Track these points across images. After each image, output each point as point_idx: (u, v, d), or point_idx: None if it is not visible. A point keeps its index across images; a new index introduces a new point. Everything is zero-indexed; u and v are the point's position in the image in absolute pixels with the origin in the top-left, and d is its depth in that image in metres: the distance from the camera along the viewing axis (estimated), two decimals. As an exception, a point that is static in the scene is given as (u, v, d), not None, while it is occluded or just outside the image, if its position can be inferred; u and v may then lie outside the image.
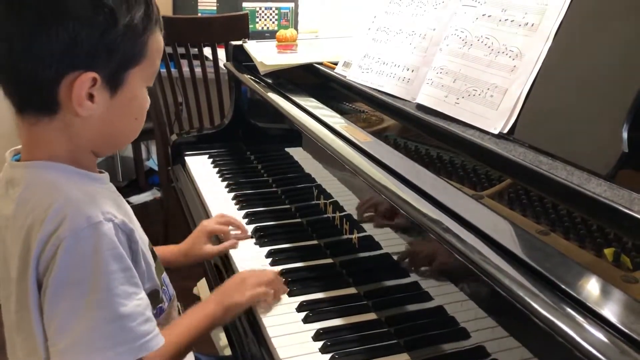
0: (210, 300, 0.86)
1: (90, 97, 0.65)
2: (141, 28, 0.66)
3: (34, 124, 0.67)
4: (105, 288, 0.63)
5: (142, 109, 0.72)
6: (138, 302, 0.66)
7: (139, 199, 2.80)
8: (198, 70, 2.05)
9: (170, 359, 0.73)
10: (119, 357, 0.64)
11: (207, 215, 1.21)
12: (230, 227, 1.11)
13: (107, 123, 0.68)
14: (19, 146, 0.71)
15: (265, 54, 1.39)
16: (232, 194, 1.28)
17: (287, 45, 1.50)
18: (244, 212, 1.19)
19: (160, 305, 0.78)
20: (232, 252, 1.06)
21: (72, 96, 0.63)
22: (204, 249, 1.05)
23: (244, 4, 2.64)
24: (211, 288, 1.06)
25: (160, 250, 1.01)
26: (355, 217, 0.94)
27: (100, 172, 0.73)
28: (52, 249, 0.62)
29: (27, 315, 0.65)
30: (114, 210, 0.67)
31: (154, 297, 0.74)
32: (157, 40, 0.71)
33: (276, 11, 2.67)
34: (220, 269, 1.06)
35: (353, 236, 0.94)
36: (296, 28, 2.65)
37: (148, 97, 0.73)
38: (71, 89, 0.63)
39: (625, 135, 0.62)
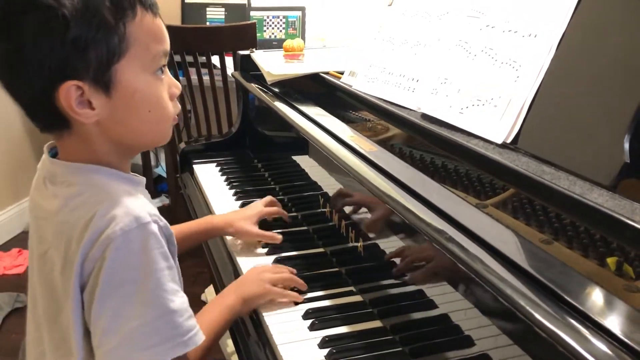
0: (229, 293, 0.88)
1: (89, 103, 0.64)
2: (111, 21, 0.62)
3: (59, 138, 0.69)
4: (155, 285, 0.64)
5: (152, 100, 0.68)
6: (182, 298, 0.68)
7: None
8: (206, 78, 2.07)
9: (203, 351, 0.74)
10: (170, 351, 0.65)
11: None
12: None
13: (120, 123, 0.67)
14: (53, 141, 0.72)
15: (272, 64, 1.40)
16: (240, 202, 1.30)
17: (293, 54, 1.51)
18: (251, 219, 1.21)
19: None
20: (239, 259, 1.07)
21: (65, 109, 0.64)
22: (252, 228, 1.09)
23: (252, 13, 2.67)
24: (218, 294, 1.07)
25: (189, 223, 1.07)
26: (360, 225, 0.95)
27: (135, 176, 0.74)
28: (100, 248, 0.63)
29: (64, 305, 0.66)
30: (157, 213, 0.68)
31: None
32: (144, 26, 0.65)
33: (283, 20, 2.69)
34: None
35: (359, 244, 0.95)
36: (303, 36, 2.67)
37: (164, 84, 0.69)
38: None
39: (626, 145, 0.62)
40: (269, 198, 1.17)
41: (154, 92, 0.68)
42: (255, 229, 1.09)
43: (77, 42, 0.61)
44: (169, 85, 0.71)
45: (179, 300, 0.67)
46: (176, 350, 0.66)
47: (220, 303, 0.86)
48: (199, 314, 0.82)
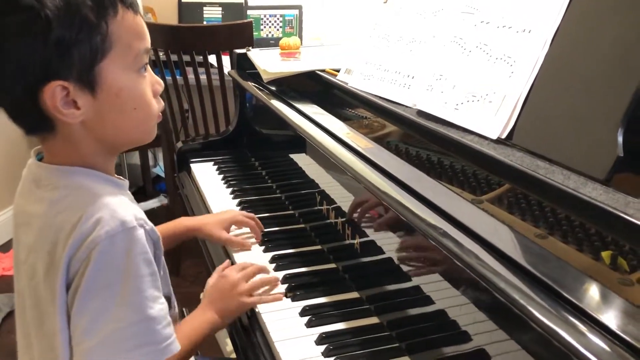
0: (207, 307, 0.88)
1: (75, 103, 0.64)
2: (94, 20, 0.62)
3: (43, 141, 0.69)
4: (135, 291, 0.65)
5: (137, 98, 0.68)
6: (161, 306, 0.68)
7: (146, 205, 2.82)
8: (203, 77, 2.07)
9: None
10: (145, 357, 0.65)
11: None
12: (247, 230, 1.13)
13: (105, 122, 0.67)
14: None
15: (268, 62, 1.40)
16: (237, 200, 1.30)
17: (290, 53, 1.51)
18: (248, 218, 1.21)
19: (170, 310, 0.79)
20: (236, 257, 1.07)
21: (50, 109, 0.63)
22: (221, 233, 1.08)
23: (249, 12, 2.67)
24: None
25: (164, 225, 1.04)
26: (357, 222, 0.95)
27: (119, 179, 0.74)
28: (86, 252, 0.63)
29: (49, 311, 0.66)
30: (144, 216, 0.68)
31: (167, 302, 0.76)
32: (126, 24, 0.65)
33: (280, 18, 2.69)
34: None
35: (355, 241, 0.95)
36: (300, 35, 2.67)
37: (147, 81, 0.69)
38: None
39: (620, 139, 0.62)
40: (250, 215, 1.15)
41: (138, 90, 0.68)
42: (224, 234, 1.08)
43: (60, 42, 0.61)
44: (152, 83, 0.71)
45: (158, 307, 0.67)
46: (152, 357, 0.66)
47: (201, 317, 0.86)
48: (179, 327, 0.82)
